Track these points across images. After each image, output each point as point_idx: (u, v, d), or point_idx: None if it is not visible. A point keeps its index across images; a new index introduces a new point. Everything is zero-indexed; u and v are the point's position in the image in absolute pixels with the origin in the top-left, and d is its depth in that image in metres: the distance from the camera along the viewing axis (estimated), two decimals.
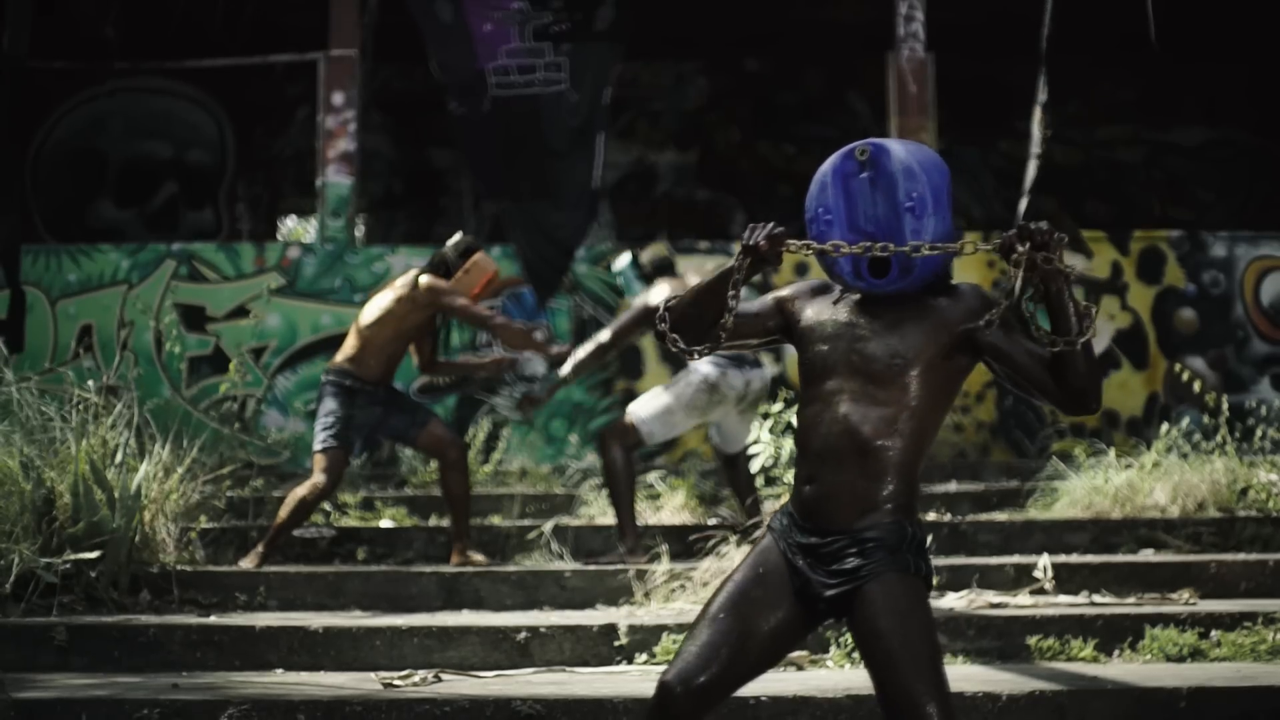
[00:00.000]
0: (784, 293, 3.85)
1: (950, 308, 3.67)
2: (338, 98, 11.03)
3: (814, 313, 3.77)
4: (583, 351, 7.87)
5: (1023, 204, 9.73)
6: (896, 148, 3.66)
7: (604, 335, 7.86)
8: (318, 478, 7.44)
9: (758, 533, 3.88)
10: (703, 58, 14.73)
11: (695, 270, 8.27)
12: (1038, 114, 9.67)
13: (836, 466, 3.62)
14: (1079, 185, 14.46)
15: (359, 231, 12.02)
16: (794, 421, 3.74)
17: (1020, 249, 3.44)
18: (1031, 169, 9.67)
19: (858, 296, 3.74)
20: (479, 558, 7.57)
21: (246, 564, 7.25)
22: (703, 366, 7.73)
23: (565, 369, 7.86)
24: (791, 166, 14.71)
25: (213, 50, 12.11)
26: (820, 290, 3.84)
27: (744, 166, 14.83)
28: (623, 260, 8.45)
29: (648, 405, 7.80)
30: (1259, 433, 9.11)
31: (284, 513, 7.39)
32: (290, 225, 16.17)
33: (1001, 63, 13.95)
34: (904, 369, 3.62)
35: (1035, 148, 9.66)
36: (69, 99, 14.04)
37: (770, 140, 14.87)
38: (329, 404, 7.58)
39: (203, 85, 14.21)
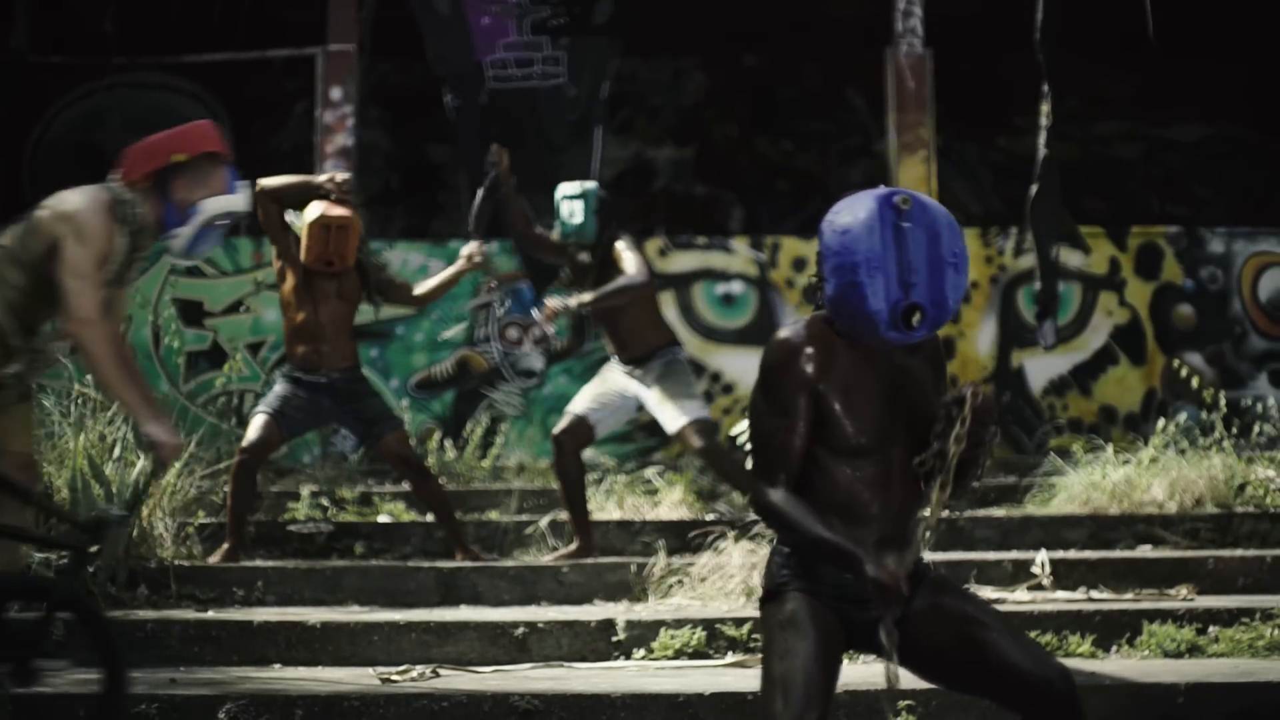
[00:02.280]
0: (806, 375, 3.67)
1: (925, 349, 3.79)
2: (335, 93, 11.03)
3: (839, 380, 3.69)
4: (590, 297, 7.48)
5: (1032, 190, 9.72)
6: (931, 201, 3.67)
7: (586, 298, 7.48)
8: (241, 445, 7.45)
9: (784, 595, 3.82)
10: (701, 53, 14.72)
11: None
12: (1044, 107, 9.68)
13: (899, 526, 3.72)
14: (1077, 181, 14.45)
15: None
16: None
17: (955, 411, 3.57)
18: (1040, 161, 9.66)
19: (861, 349, 3.71)
20: (482, 554, 7.56)
21: (214, 559, 7.24)
22: (679, 352, 7.79)
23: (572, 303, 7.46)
24: (790, 162, 14.71)
25: (210, 45, 12.10)
26: (818, 346, 3.71)
27: (742, 162, 14.82)
28: (588, 186, 7.83)
29: (690, 404, 7.66)
30: (1256, 428, 9.11)
31: (229, 500, 7.40)
32: (289, 220, 16.13)
33: (1000, 58, 13.93)
34: (930, 425, 3.70)
35: (1043, 140, 9.66)
36: (67, 93, 14.02)
37: (768, 136, 14.86)
38: (273, 388, 7.69)
39: (200, 80, 14.18)
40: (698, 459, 7.85)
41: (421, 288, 7.97)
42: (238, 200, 5.24)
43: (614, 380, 7.78)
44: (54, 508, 5.57)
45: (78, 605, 4.98)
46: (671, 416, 7.65)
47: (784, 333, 3.73)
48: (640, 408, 7.87)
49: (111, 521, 5.11)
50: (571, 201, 7.78)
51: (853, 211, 3.63)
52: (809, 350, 3.68)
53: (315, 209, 7.53)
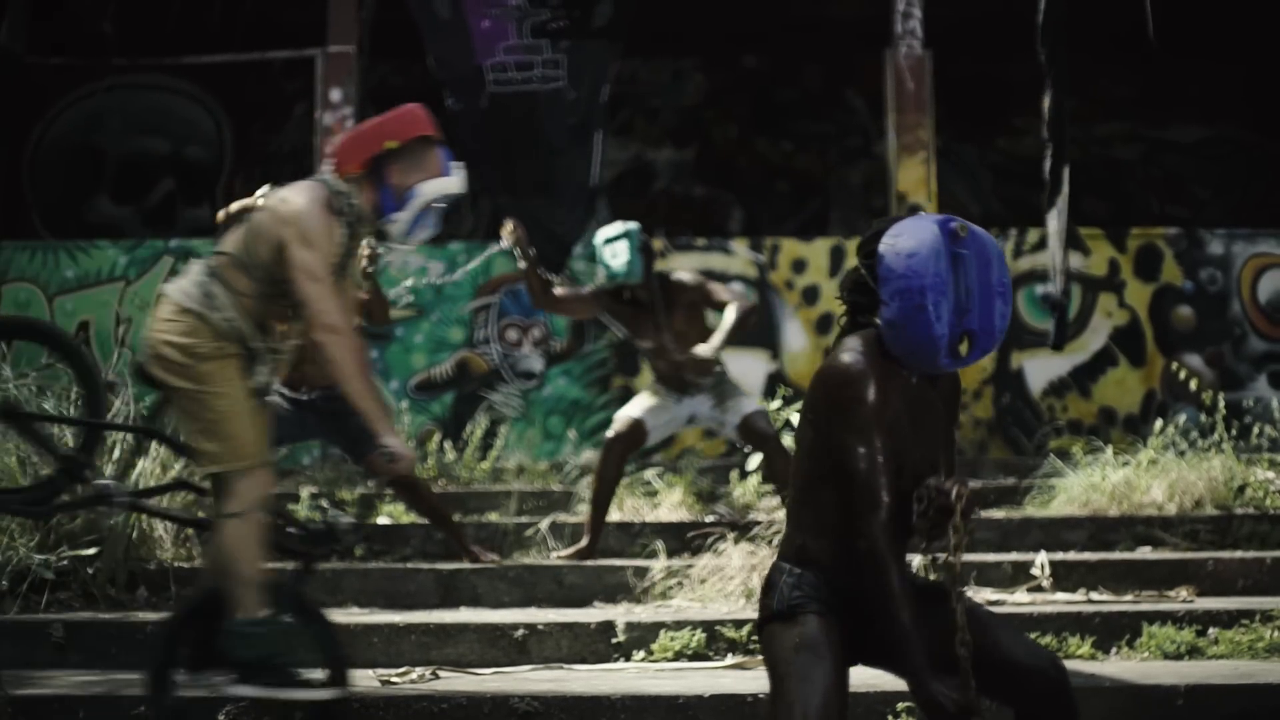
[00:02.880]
0: (879, 403, 3.67)
1: (945, 382, 3.85)
2: (335, 94, 11.03)
3: (895, 407, 3.72)
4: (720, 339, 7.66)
5: (1045, 196, 9.69)
6: (980, 230, 3.71)
7: (725, 337, 7.64)
8: None
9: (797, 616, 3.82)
10: (700, 54, 14.72)
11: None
12: (1045, 105, 9.67)
13: (904, 548, 3.78)
14: (1076, 182, 14.42)
15: None
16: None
17: (933, 496, 3.63)
18: (1048, 158, 9.64)
19: (910, 378, 3.74)
20: (484, 554, 7.56)
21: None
22: (723, 372, 7.95)
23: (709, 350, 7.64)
24: (789, 163, 14.70)
25: (210, 46, 12.10)
26: (880, 372, 3.70)
27: (741, 163, 14.82)
28: (629, 226, 7.94)
29: (747, 399, 7.91)
30: (1256, 430, 9.11)
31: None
32: None
33: (999, 60, 13.94)
34: (934, 461, 3.80)
35: (1050, 138, 9.64)
36: (67, 95, 14.03)
37: (768, 137, 14.86)
38: None
39: (200, 81, 14.20)
40: (763, 448, 7.84)
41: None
42: (453, 182, 5.19)
43: (666, 394, 7.91)
44: (286, 514, 5.61)
45: (304, 609, 5.00)
46: (734, 412, 7.80)
47: (849, 359, 3.69)
48: (690, 420, 7.96)
49: (341, 530, 5.11)
50: (614, 243, 7.84)
51: (916, 235, 3.64)
52: (877, 376, 3.67)
53: None
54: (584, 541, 7.66)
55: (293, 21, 11.89)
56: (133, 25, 12.39)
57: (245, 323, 4.98)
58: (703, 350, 7.61)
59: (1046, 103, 9.52)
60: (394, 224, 5.14)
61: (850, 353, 3.70)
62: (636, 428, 7.79)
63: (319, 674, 4.91)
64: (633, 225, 7.92)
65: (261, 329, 5.04)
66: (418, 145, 5.13)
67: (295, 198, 5.01)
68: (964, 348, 3.62)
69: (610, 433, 7.84)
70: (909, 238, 3.65)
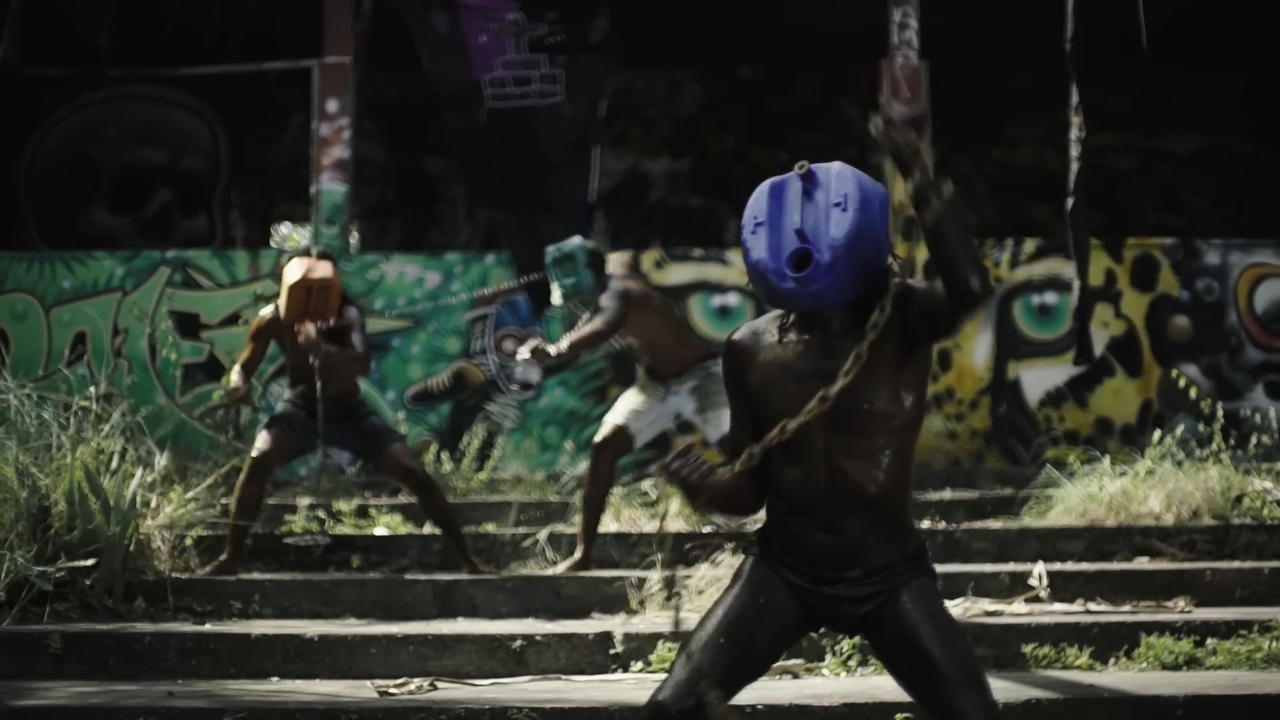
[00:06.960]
0: (732, 371, 3.78)
1: (897, 313, 3.57)
2: (332, 105, 11.03)
3: (766, 369, 3.71)
4: (554, 349, 7.52)
5: (1069, 203, 9.68)
6: (836, 164, 3.71)
7: (563, 345, 7.50)
8: (252, 453, 7.51)
9: (742, 559, 3.86)
10: (696, 65, 14.75)
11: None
12: (1075, 119, 9.67)
13: (848, 517, 3.64)
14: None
15: (353, 239, 12.00)
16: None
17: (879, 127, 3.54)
18: (1074, 174, 9.62)
19: (804, 334, 3.68)
20: (483, 565, 7.56)
21: (208, 570, 7.23)
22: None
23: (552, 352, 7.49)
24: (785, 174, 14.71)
25: (207, 57, 12.11)
26: (757, 333, 3.77)
27: (737, 173, 14.82)
28: (573, 244, 7.75)
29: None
30: (1253, 440, 9.11)
31: (234, 507, 7.41)
32: (284, 232, 16.17)
33: (995, 70, 13.98)
34: (875, 410, 3.60)
35: (1075, 153, 9.63)
36: (63, 106, 14.04)
37: (764, 147, 14.88)
38: (278, 406, 7.88)
39: (197, 92, 14.21)
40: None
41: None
42: None
43: (651, 391, 7.85)
44: None
45: None
46: (714, 426, 7.74)
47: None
48: (678, 417, 7.94)
49: None
50: (562, 263, 7.77)
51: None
52: (734, 345, 3.78)
53: (297, 269, 7.45)
54: (578, 553, 7.65)
55: (289, 32, 11.90)
56: (129, 36, 12.41)
57: None
58: (547, 348, 7.48)
59: (1078, 119, 9.48)
60: None
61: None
62: (620, 434, 7.77)
63: None
64: (575, 242, 7.79)
65: None
66: None
67: None
68: (804, 262, 3.56)
69: (597, 438, 7.84)
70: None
